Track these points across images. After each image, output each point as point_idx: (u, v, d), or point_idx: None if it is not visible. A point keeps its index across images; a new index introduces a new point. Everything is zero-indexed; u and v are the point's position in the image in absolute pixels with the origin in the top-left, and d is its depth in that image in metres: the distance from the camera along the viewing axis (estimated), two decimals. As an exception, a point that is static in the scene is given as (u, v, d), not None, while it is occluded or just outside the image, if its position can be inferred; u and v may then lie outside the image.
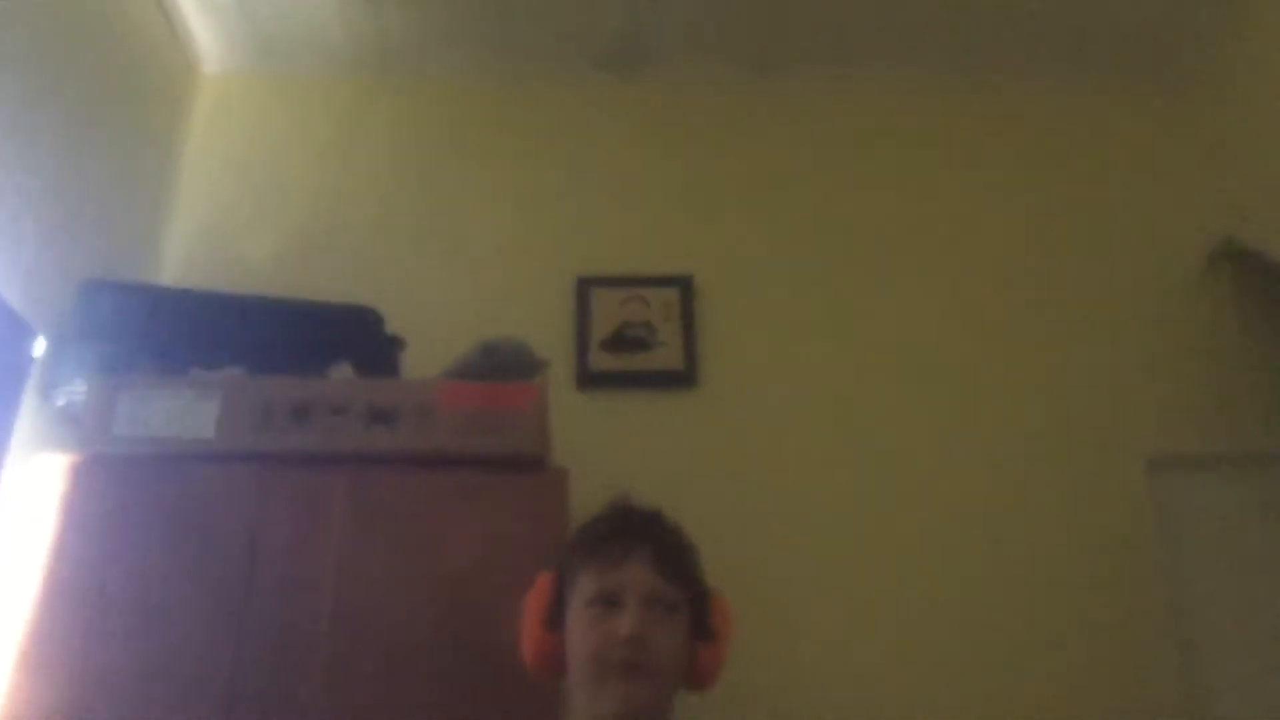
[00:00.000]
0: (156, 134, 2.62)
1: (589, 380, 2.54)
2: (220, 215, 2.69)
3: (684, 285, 2.64)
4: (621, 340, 2.58)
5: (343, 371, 2.10)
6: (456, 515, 1.83)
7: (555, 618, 1.24)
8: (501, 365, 2.06)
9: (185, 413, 1.85)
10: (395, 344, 2.24)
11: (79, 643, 1.69)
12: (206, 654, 1.70)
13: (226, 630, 1.72)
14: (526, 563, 1.48)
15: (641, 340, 2.58)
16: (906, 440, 2.53)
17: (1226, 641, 2.39)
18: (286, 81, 2.87)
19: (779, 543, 2.40)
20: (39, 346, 1.96)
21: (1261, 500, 2.51)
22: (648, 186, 2.79)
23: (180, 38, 2.70)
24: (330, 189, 2.75)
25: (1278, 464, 2.54)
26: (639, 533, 1.24)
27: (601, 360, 2.56)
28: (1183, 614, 2.40)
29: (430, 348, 2.20)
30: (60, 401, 2.00)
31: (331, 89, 2.87)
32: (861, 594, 2.38)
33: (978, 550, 2.43)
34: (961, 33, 2.79)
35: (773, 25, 2.75)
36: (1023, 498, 2.48)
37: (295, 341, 2.12)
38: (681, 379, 2.56)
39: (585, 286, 2.63)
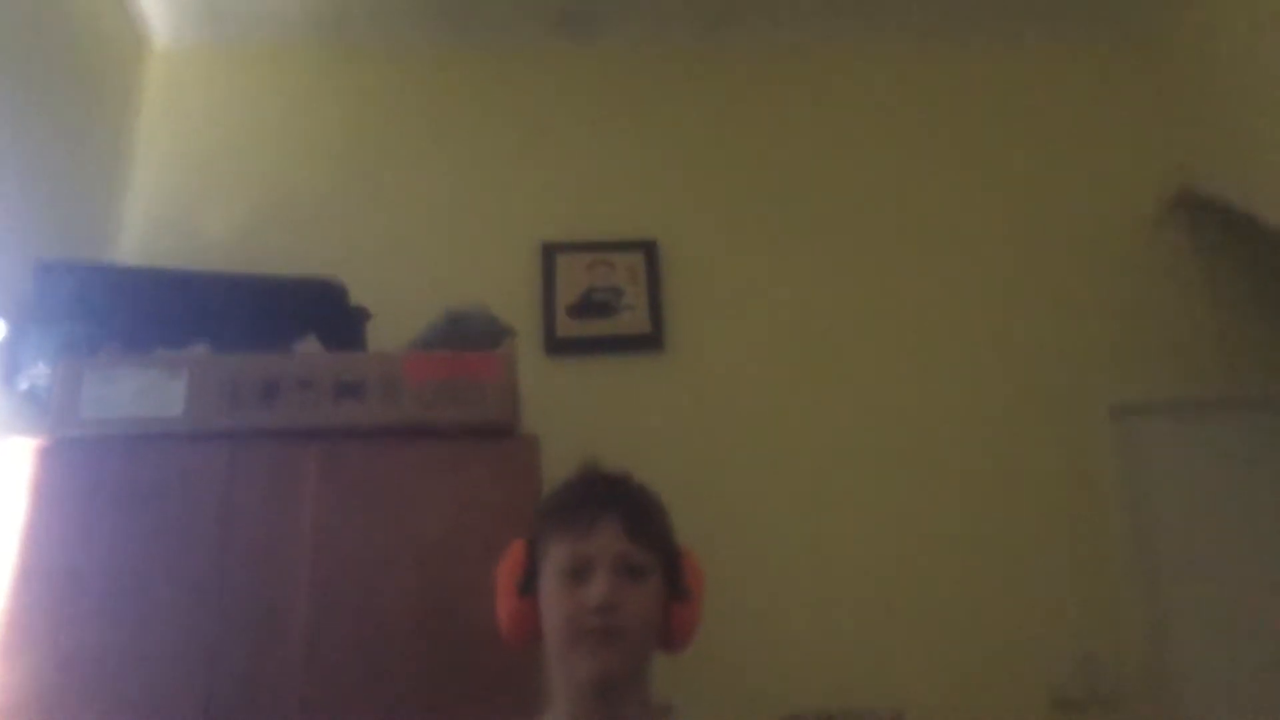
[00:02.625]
0: (108, 110, 2.57)
1: (556, 346, 2.55)
2: (177, 190, 2.65)
3: (649, 249, 2.64)
4: (588, 305, 2.59)
5: (309, 345, 2.09)
6: (428, 485, 1.84)
7: (529, 585, 1.25)
8: (468, 334, 2.06)
9: (152, 392, 1.84)
10: (360, 316, 2.23)
11: (54, 626, 1.69)
12: (184, 633, 1.71)
13: (203, 608, 1.72)
14: (500, 530, 1.50)
15: (608, 304, 2.59)
16: (873, 395, 2.57)
17: (1190, 582, 2.46)
18: (239, 52, 2.82)
19: (749, 501, 2.44)
20: (-1, 331, 1.93)
21: (1223, 444, 2.58)
22: (609, 151, 2.79)
23: (129, 10, 2.64)
24: (288, 160, 2.71)
25: (1239, 409, 2.60)
26: (607, 498, 1.24)
27: (569, 326, 2.57)
28: (1147, 555, 2.47)
29: (396, 318, 2.20)
30: (24, 385, 1.99)
31: (286, 58, 2.83)
32: (831, 547, 2.43)
33: (946, 500, 2.48)
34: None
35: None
36: (988, 447, 2.53)
37: (259, 317, 2.11)
38: (649, 342, 2.57)
39: (550, 252, 2.63)
